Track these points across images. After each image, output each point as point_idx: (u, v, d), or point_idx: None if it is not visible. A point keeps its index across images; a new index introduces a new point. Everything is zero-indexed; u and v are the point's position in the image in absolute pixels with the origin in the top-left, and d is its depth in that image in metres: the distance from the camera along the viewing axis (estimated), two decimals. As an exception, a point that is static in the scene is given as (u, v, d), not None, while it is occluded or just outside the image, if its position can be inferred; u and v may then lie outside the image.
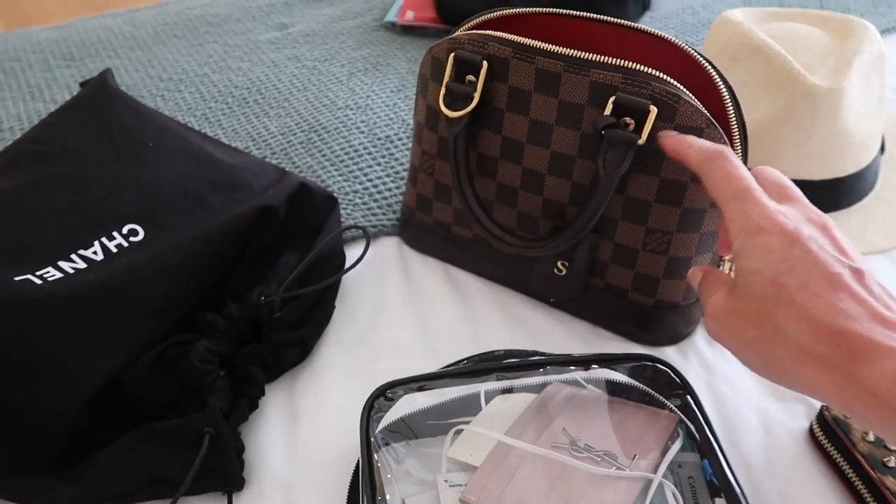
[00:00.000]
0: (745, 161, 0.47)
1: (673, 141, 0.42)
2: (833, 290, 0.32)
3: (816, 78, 0.58)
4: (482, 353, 0.47)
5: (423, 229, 0.59)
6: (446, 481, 0.41)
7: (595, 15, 0.50)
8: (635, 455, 0.41)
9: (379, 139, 0.74)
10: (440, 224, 0.58)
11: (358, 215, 0.64)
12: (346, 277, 0.57)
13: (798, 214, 0.36)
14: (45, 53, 0.92)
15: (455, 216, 0.56)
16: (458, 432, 0.43)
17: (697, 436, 0.42)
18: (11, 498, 0.41)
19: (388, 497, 0.39)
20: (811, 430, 0.46)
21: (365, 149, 0.72)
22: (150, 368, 0.45)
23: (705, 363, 0.51)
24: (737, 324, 0.36)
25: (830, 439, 0.44)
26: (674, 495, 0.39)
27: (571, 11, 0.51)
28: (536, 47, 0.46)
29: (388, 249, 0.61)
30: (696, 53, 0.46)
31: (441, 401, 0.45)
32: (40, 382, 0.42)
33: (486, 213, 0.51)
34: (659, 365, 0.45)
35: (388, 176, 0.69)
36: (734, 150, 0.46)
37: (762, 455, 0.45)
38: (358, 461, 0.43)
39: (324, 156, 0.72)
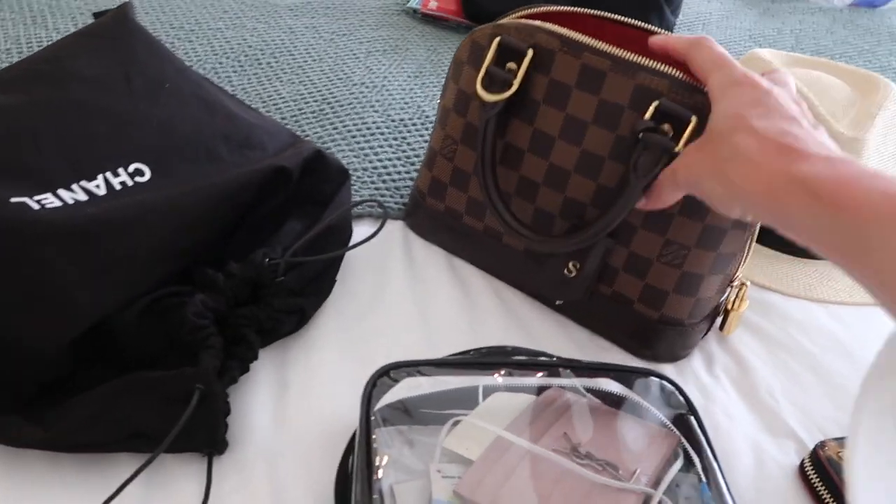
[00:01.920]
0: None
1: (659, 39, 0.45)
2: (788, 122, 0.37)
3: (840, 126, 0.59)
4: (491, 347, 0.46)
5: (431, 216, 0.58)
6: (439, 471, 0.39)
7: (639, 22, 0.49)
8: (636, 470, 0.40)
9: (393, 121, 0.72)
10: (451, 212, 0.56)
11: (365, 193, 0.63)
12: (348, 253, 0.55)
13: (772, 82, 0.40)
14: (52, -20, 0.88)
15: (468, 205, 0.55)
16: (457, 423, 0.42)
17: (697, 458, 0.41)
18: (-27, 432, 0.38)
19: (379, 479, 0.37)
20: (802, 467, 0.46)
21: (378, 128, 0.71)
22: (142, 316, 0.43)
23: (703, 389, 0.50)
24: (703, 159, 0.40)
25: (822, 479, 0.44)
26: None
27: (615, 16, 0.50)
28: (585, 43, 0.46)
29: (393, 232, 0.60)
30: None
31: (438, 389, 0.44)
32: (25, 314, 0.39)
33: (504, 204, 0.50)
34: (666, 382, 0.44)
35: (398, 159, 0.67)
36: None
37: (752, 486, 0.45)
38: (352, 437, 0.42)
39: (335, 129, 0.70)
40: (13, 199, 0.41)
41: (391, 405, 0.42)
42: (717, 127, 0.39)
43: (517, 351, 0.46)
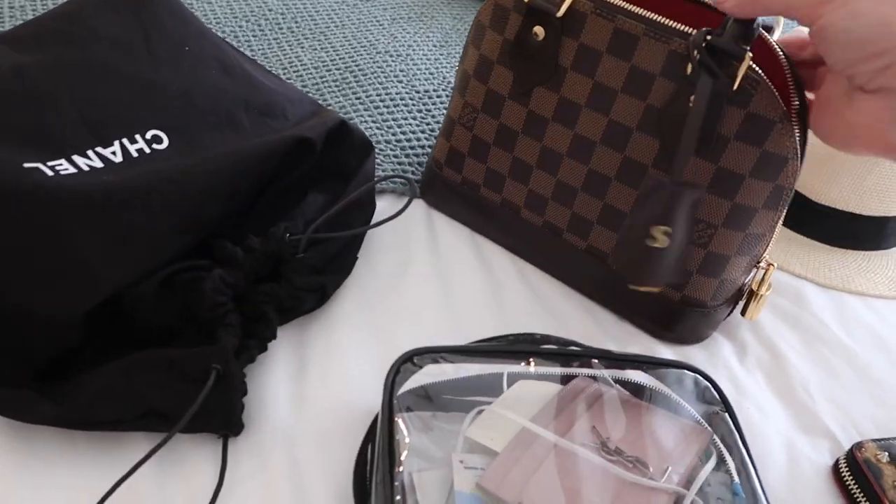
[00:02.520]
0: (801, 161, 0.44)
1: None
2: None
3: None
4: (519, 334, 0.44)
5: (449, 188, 0.56)
6: (461, 462, 0.38)
7: None
8: (668, 468, 0.38)
9: (417, 92, 0.70)
10: (468, 183, 0.54)
11: (388, 167, 0.60)
12: (370, 230, 0.53)
13: None
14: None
15: (487, 177, 0.53)
16: (480, 412, 0.40)
17: (729, 457, 0.39)
18: (-12, 405, 0.37)
19: (401, 469, 0.36)
20: (836, 467, 0.44)
21: (402, 99, 0.68)
22: (159, 290, 0.41)
23: (736, 382, 0.49)
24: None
25: (858, 481, 0.42)
26: None
27: None
28: (619, 6, 0.43)
29: (416, 209, 0.58)
30: (775, 45, 0.43)
31: (461, 376, 0.43)
32: (39, 284, 0.38)
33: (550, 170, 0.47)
34: (700, 377, 0.42)
35: (422, 132, 0.65)
36: (798, 156, 0.43)
37: (784, 486, 0.43)
38: (373, 422, 0.40)
39: (358, 98, 0.67)
40: (26, 164, 0.40)
41: (413, 391, 0.40)
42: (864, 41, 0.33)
43: (546, 339, 0.44)
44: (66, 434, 0.38)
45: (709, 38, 0.40)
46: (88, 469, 0.37)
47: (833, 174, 0.58)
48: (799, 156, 0.43)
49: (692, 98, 0.41)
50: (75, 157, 0.42)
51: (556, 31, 0.45)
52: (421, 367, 0.40)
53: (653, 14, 0.43)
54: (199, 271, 0.43)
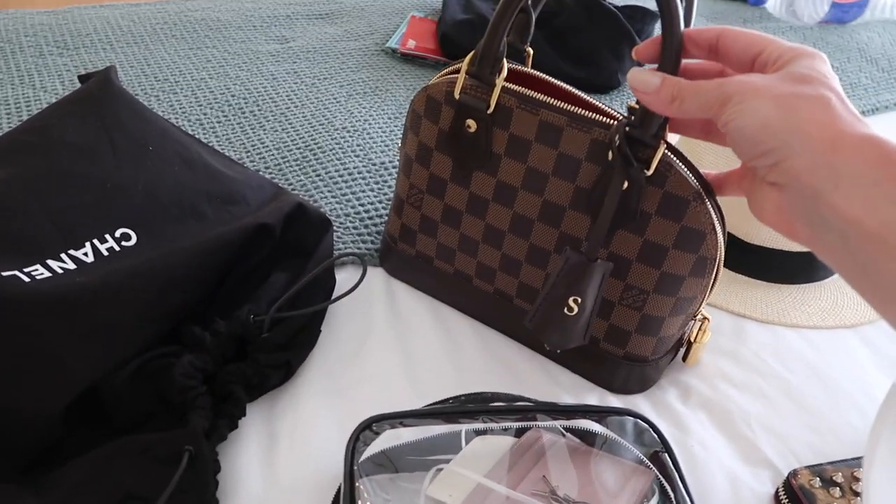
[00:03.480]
0: (723, 241, 0.48)
1: (687, 31, 0.41)
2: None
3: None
4: (469, 394, 0.48)
5: (404, 260, 0.60)
6: None
7: (585, 96, 0.50)
8: None
9: (374, 164, 0.74)
10: (422, 256, 0.58)
11: (348, 239, 0.64)
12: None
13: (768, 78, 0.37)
14: (39, 38, 0.91)
15: (438, 250, 0.57)
16: (439, 471, 0.43)
17: (673, 494, 0.43)
18: (-26, 502, 0.40)
19: None
20: (776, 495, 0.47)
21: (359, 173, 0.73)
22: (132, 379, 0.44)
23: (679, 422, 0.52)
24: (774, 85, 0.36)
25: (795, 508, 0.46)
26: None
27: (565, 86, 0.51)
28: (542, 101, 0.48)
29: (376, 277, 0.62)
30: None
31: (422, 437, 0.46)
32: (19, 384, 0.41)
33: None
34: (640, 421, 0.46)
35: (380, 202, 0.69)
36: (715, 230, 0.46)
37: (729, 517, 0.46)
38: (338, 490, 0.43)
39: (318, 175, 0.72)
40: (4, 273, 0.43)
41: (373, 458, 0.43)
42: (801, 72, 0.36)
43: (496, 397, 0.47)
44: (49, 524, 0.41)
45: (627, 129, 0.44)
46: (72, 556, 0.40)
47: (747, 213, 0.62)
48: (717, 230, 0.46)
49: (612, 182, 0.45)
50: (50, 262, 0.46)
51: (486, 124, 0.49)
52: (379, 434, 0.43)
53: (572, 107, 0.47)
54: (168, 358, 0.46)
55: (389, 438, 0.44)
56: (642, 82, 0.40)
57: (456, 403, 0.47)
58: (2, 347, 0.41)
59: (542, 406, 0.45)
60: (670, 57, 0.41)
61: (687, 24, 0.44)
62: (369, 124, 0.81)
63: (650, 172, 0.45)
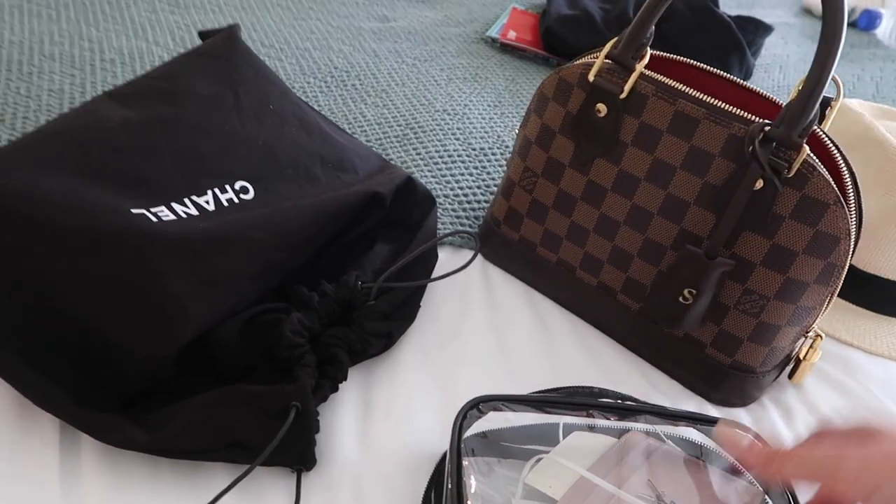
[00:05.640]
0: (853, 250, 0.46)
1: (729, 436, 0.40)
2: None
3: (934, 184, 0.58)
4: (577, 387, 0.47)
5: (505, 244, 0.59)
6: None
7: (732, 77, 0.50)
8: None
9: (473, 149, 0.74)
10: (525, 242, 0.57)
11: (446, 220, 0.64)
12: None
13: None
14: (153, -6, 0.93)
15: (544, 236, 0.56)
16: (539, 460, 0.42)
17: None
18: (85, 429, 0.40)
19: None
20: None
21: (459, 156, 0.72)
22: (241, 330, 0.44)
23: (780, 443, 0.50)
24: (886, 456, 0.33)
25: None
26: None
27: (711, 68, 0.51)
28: (680, 90, 0.46)
29: (473, 262, 0.61)
30: (823, 135, 0.46)
31: (519, 424, 0.45)
32: (139, 320, 0.41)
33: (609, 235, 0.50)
34: (750, 435, 0.44)
35: (478, 187, 0.68)
36: (850, 235, 0.45)
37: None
38: (437, 465, 0.42)
39: (418, 154, 0.71)
40: (134, 210, 0.44)
41: (476, 436, 0.42)
42: None
43: (604, 393, 0.46)
44: (150, 462, 0.41)
45: (766, 129, 0.42)
46: (172, 496, 0.40)
47: (880, 244, 0.60)
48: (851, 236, 0.45)
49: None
50: (174, 205, 0.46)
51: (618, 109, 0.48)
52: (485, 414, 0.42)
53: (712, 99, 0.46)
54: (278, 314, 0.46)
55: (490, 421, 0.43)
56: (731, 442, 0.38)
57: (563, 394, 0.46)
58: (127, 284, 0.41)
59: (651, 408, 0.44)
60: None
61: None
62: (469, 109, 0.81)
63: (791, 174, 0.43)
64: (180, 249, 0.43)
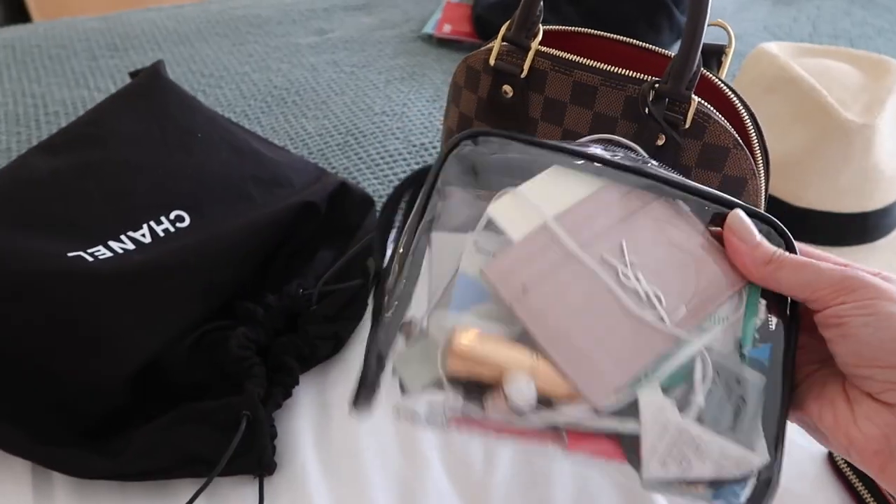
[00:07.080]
0: (766, 187, 0.48)
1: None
2: None
3: (849, 113, 0.60)
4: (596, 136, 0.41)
5: None
6: (476, 242, 0.33)
7: (628, 39, 0.52)
8: (682, 310, 0.32)
9: (414, 146, 0.75)
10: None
11: (391, 218, 0.66)
12: (378, 277, 0.58)
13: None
14: (91, 42, 0.95)
15: None
16: (506, 193, 0.34)
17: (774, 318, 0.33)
18: (48, 465, 0.42)
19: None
20: (831, 455, 0.47)
21: (400, 154, 0.74)
22: (190, 351, 0.46)
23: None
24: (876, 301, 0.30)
25: (853, 468, 0.45)
26: (703, 373, 0.31)
27: (607, 34, 0.52)
28: (574, 61, 0.48)
29: (420, 253, 0.63)
30: (719, 82, 0.48)
31: (510, 155, 0.35)
32: (86, 355, 0.43)
33: None
34: (773, 230, 0.34)
35: (421, 182, 0.70)
36: (757, 174, 0.47)
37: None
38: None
39: (360, 158, 0.73)
40: (70, 254, 0.46)
41: (459, 161, 0.34)
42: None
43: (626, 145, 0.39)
44: (119, 486, 0.43)
45: (656, 87, 0.44)
46: (142, 515, 0.42)
47: (808, 178, 0.61)
48: (758, 176, 0.46)
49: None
50: (111, 243, 0.48)
51: (522, 88, 0.50)
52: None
53: (605, 65, 0.47)
54: (224, 331, 0.48)
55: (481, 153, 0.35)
56: (743, 229, 0.33)
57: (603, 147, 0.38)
58: (71, 321, 0.43)
59: (668, 179, 0.34)
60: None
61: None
62: (408, 108, 0.83)
63: (687, 126, 0.45)
64: (116, 283, 0.45)
